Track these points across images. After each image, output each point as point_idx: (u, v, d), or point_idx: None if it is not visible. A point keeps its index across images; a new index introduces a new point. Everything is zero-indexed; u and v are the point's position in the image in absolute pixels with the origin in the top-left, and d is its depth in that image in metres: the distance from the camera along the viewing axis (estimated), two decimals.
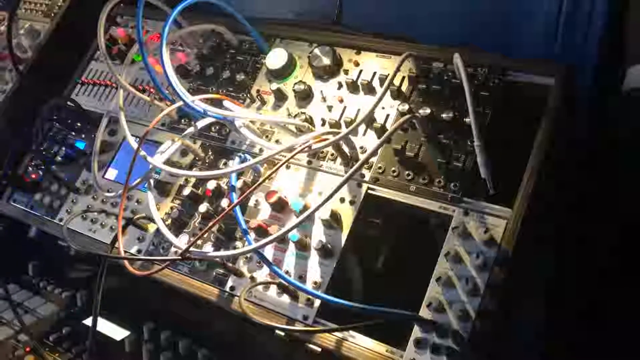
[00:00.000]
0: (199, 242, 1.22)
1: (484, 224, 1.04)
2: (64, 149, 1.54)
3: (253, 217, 1.22)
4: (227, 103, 1.23)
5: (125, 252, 1.27)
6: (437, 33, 1.32)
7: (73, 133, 1.57)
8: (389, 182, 1.15)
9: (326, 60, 1.29)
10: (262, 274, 1.17)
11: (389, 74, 1.15)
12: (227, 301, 1.18)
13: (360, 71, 1.28)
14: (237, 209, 1.15)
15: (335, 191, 1.01)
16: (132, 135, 1.26)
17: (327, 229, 1.15)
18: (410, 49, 1.21)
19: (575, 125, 1.27)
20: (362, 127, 1.22)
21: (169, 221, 1.29)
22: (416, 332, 1.01)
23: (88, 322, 1.40)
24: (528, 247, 1.04)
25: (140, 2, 1.10)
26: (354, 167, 1.01)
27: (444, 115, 1.13)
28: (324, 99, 1.28)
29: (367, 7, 1.57)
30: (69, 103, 1.54)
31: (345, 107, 1.26)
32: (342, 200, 1.17)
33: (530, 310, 1.24)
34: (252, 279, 1.18)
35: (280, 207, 1.20)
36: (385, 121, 1.20)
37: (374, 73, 1.26)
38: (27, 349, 1.37)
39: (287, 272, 1.14)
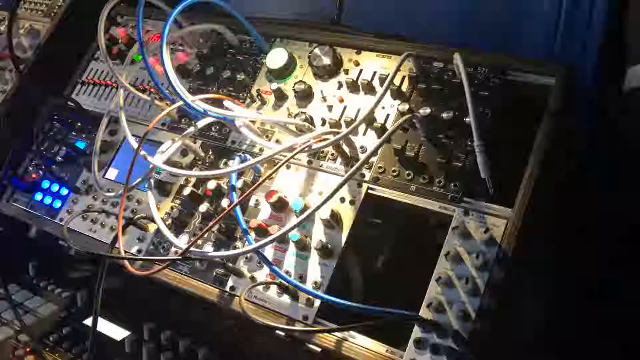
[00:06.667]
0: (199, 242, 1.22)
1: (484, 224, 1.04)
2: (64, 149, 1.54)
3: (253, 217, 1.22)
4: (227, 103, 1.22)
5: (125, 252, 1.27)
6: (437, 33, 1.32)
7: (73, 133, 1.57)
8: (389, 182, 1.15)
9: (326, 60, 1.29)
10: (262, 274, 1.17)
11: (389, 74, 1.15)
12: (227, 301, 1.18)
13: (361, 71, 1.28)
14: (237, 208, 1.15)
15: (336, 191, 1.01)
16: (133, 135, 1.26)
17: (327, 229, 1.15)
18: (410, 48, 1.21)
19: (575, 125, 1.27)
20: (362, 127, 1.22)
21: (169, 221, 1.29)
22: (416, 332, 1.01)
23: (88, 322, 1.40)
24: (528, 247, 1.04)
25: (141, 1, 1.10)
26: (354, 167, 1.02)
27: (444, 115, 1.13)
28: (324, 99, 1.28)
29: (367, 6, 1.57)
30: (69, 103, 1.54)
31: (345, 107, 1.26)
32: (342, 200, 1.16)
33: (530, 310, 1.24)
34: (252, 279, 1.18)
35: (280, 207, 1.20)
36: (385, 121, 1.20)
37: (374, 73, 1.26)
38: (27, 349, 1.37)
39: (287, 272, 1.14)
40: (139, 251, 1.31)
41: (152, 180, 1.27)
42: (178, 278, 1.24)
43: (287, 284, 1.11)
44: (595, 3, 1.29)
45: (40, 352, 1.36)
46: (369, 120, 1.20)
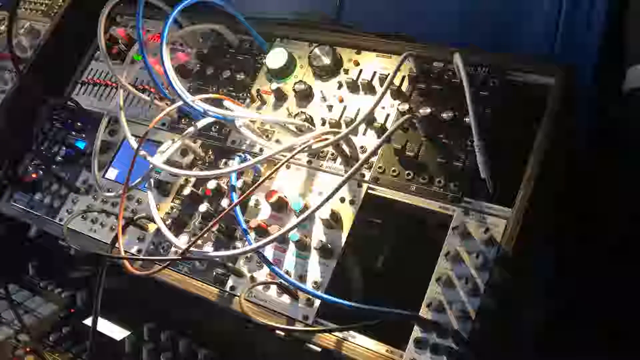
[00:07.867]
0: (199, 242, 1.22)
1: (484, 224, 1.04)
2: (64, 149, 1.54)
3: (253, 217, 1.22)
4: (227, 103, 1.22)
5: (125, 252, 1.27)
6: (437, 33, 1.32)
7: (73, 133, 1.57)
8: (389, 181, 1.15)
9: (326, 60, 1.29)
10: (262, 274, 1.17)
11: (389, 74, 1.15)
12: (227, 301, 1.18)
13: (360, 71, 1.28)
14: (237, 208, 1.15)
15: (335, 191, 1.01)
16: (132, 135, 1.26)
17: (327, 228, 1.15)
18: (410, 48, 1.21)
19: (575, 125, 1.27)
20: (362, 127, 1.22)
21: (169, 221, 1.29)
22: (416, 332, 1.01)
23: (88, 322, 1.40)
24: (528, 247, 1.04)
25: (141, 1, 1.10)
26: (354, 167, 1.01)
27: (444, 115, 1.13)
28: (324, 99, 1.28)
29: (367, 6, 1.57)
30: (69, 103, 1.54)
31: (345, 107, 1.26)
32: (342, 200, 1.16)
33: (530, 310, 1.24)
34: (252, 279, 1.18)
35: (280, 207, 1.20)
36: (385, 121, 1.20)
37: (374, 73, 1.26)
38: (27, 349, 1.37)
39: (287, 272, 1.14)
40: (139, 251, 1.31)
41: (152, 180, 1.27)
42: (178, 278, 1.24)
43: (287, 284, 1.11)
44: (595, 3, 1.29)
45: (40, 352, 1.36)
46: (369, 120, 1.20)
